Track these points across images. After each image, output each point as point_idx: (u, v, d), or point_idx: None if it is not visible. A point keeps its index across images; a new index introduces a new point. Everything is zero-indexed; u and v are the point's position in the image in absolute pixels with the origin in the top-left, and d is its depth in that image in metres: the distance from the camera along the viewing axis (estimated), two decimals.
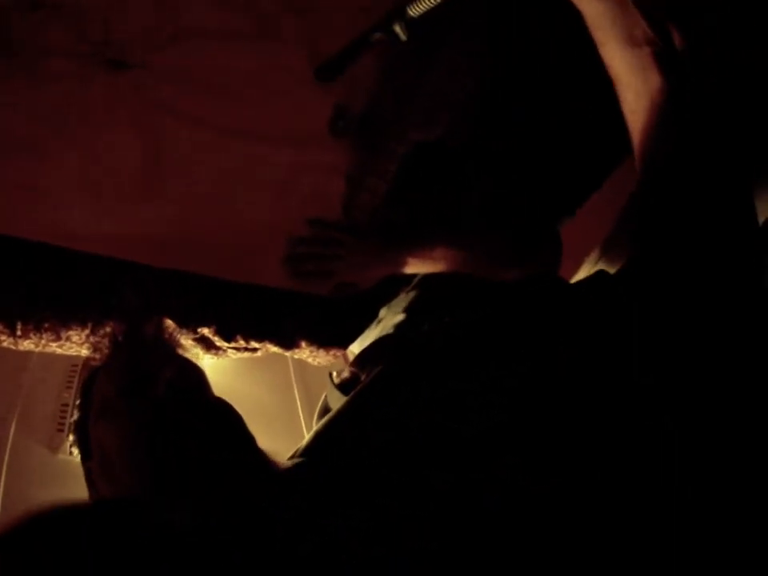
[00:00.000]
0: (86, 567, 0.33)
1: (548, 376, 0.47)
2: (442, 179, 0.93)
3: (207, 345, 0.95)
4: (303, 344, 0.97)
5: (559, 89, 0.87)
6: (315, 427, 0.55)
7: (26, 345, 0.87)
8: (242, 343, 0.95)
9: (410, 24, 0.72)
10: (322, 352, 1.00)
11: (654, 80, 0.50)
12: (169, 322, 0.89)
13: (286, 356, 1.02)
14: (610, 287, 0.54)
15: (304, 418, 1.53)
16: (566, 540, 0.37)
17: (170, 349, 0.71)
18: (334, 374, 0.71)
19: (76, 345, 0.89)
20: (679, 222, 0.50)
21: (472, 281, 0.85)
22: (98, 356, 0.66)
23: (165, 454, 0.50)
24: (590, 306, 0.53)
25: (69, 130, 0.81)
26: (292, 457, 0.52)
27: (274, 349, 0.98)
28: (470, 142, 0.92)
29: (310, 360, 1.03)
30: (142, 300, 0.88)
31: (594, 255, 1.19)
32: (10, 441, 1.28)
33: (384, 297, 0.90)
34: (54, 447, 1.33)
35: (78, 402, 0.60)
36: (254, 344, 0.96)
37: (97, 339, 0.89)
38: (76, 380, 1.44)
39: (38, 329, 0.85)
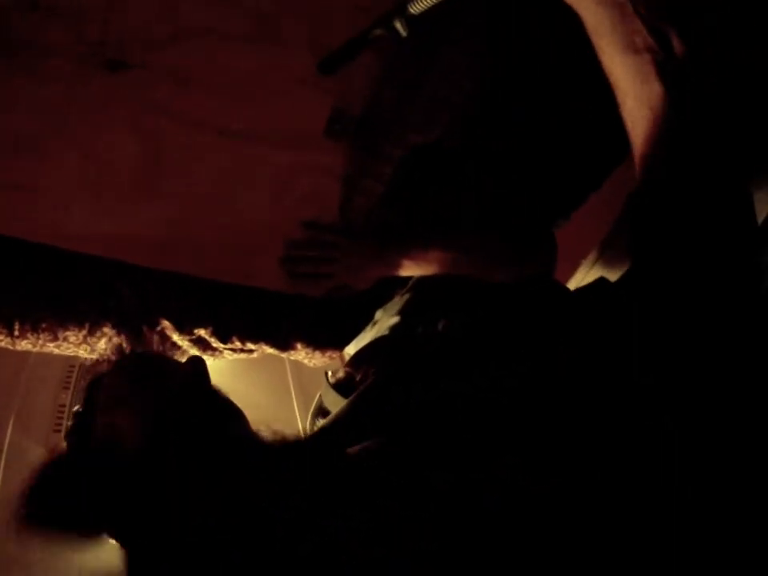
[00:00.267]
0: None
1: (548, 376, 0.47)
2: (438, 181, 0.94)
3: (204, 346, 0.95)
4: (299, 346, 0.97)
5: (558, 89, 0.87)
6: (319, 425, 0.55)
7: (24, 345, 0.87)
8: (237, 345, 0.95)
9: (411, 21, 0.73)
10: (317, 354, 0.99)
11: (654, 87, 0.50)
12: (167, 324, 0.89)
13: (283, 357, 1.02)
14: (609, 289, 0.55)
15: (301, 419, 1.53)
16: (565, 540, 0.37)
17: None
18: (330, 373, 0.71)
19: (73, 345, 0.89)
20: (679, 224, 0.50)
21: (467, 283, 0.85)
22: (100, 360, 0.66)
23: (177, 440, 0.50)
24: (589, 306, 0.53)
25: (68, 129, 0.81)
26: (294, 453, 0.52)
27: (269, 350, 0.98)
28: (469, 142, 0.92)
29: (305, 361, 1.03)
30: (139, 301, 0.88)
31: (591, 258, 1.19)
32: (7, 441, 1.27)
33: (379, 299, 0.91)
34: (51, 447, 1.32)
35: (79, 402, 0.61)
36: (250, 345, 0.96)
37: (94, 340, 0.88)
38: (73, 381, 1.43)
39: (36, 329, 0.85)
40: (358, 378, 0.63)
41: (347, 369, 0.68)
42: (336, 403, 0.62)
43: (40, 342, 0.87)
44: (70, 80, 0.80)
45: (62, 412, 1.38)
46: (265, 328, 0.95)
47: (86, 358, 0.94)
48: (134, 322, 0.89)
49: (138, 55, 0.82)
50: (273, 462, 0.48)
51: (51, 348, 0.89)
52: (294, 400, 1.57)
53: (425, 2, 0.70)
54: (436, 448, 0.44)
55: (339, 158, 0.90)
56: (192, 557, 0.39)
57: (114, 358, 0.66)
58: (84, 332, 0.87)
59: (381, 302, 0.91)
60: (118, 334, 0.89)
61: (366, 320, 0.92)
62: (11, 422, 1.30)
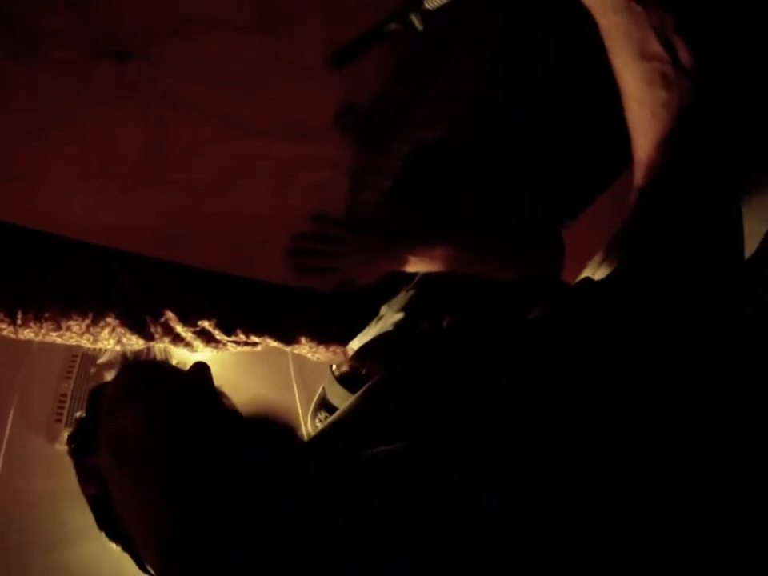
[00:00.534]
0: None
1: (548, 375, 0.47)
2: (443, 178, 0.93)
3: (207, 338, 0.95)
4: (303, 339, 0.98)
5: (560, 89, 0.87)
6: (322, 418, 0.55)
7: (26, 334, 0.87)
8: (241, 337, 0.95)
9: (426, 16, 0.73)
10: (321, 348, 1.00)
11: (660, 94, 0.52)
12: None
13: (286, 351, 1.02)
14: (609, 289, 0.55)
15: (302, 412, 1.53)
16: (565, 539, 0.37)
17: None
18: (334, 367, 0.73)
19: (76, 335, 0.89)
20: (678, 225, 0.51)
21: (471, 280, 0.85)
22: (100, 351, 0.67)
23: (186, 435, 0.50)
24: (590, 306, 0.53)
25: (70, 118, 0.80)
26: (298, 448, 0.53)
27: (273, 343, 0.98)
28: (470, 141, 0.92)
29: (309, 356, 1.03)
30: (143, 292, 0.88)
31: (597, 258, 1.18)
32: (7, 430, 1.28)
33: (385, 295, 0.91)
34: (52, 437, 1.33)
35: (84, 402, 0.61)
36: (254, 338, 0.96)
37: (97, 330, 0.89)
38: (75, 370, 1.44)
39: (39, 318, 0.85)
40: (363, 372, 0.64)
41: (352, 363, 0.69)
42: (341, 396, 0.63)
43: (43, 331, 0.87)
44: (73, 68, 0.79)
45: (63, 401, 1.38)
46: (269, 321, 0.95)
47: (88, 348, 0.94)
48: (137, 312, 0.89)
49: (141, 45, 0.81)
50: (278, 462, 0.48)
51: (54, 337, 0.89)
52: (296, 392, 1.58)
53: None
54: (438, 445, 0.44)
55: (344, 151, 0.90)
56: (198, 548, 0.39)
57: (118, 365, 0.67)
58: (87, 321, 0.87)
59: (386, 297, 0.91)
60: (122, 324, 0.89)
61: (370, 315, 0.92)
62: (12, 412, 1.30)
